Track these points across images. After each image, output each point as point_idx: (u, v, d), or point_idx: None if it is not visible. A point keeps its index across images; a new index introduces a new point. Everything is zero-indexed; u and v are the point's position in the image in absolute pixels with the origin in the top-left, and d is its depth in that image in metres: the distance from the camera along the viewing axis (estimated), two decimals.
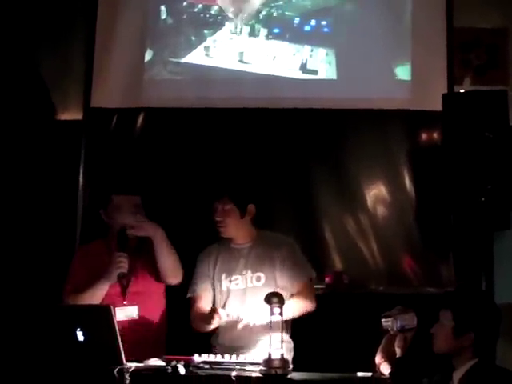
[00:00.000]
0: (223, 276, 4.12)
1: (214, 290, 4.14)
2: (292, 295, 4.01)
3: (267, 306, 3.58)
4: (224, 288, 4.10)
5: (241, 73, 5.14)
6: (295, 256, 4.14)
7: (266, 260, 4.10)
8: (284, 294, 3.86)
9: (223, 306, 4.07)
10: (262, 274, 4.07)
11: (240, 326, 4.00)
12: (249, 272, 4.08)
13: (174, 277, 4.08)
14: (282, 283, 4.03)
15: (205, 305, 4.09)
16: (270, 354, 3.48)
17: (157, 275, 4.03)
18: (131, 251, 4.00)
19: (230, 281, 4.10)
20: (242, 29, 5.18)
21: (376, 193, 5.04)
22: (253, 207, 4.14)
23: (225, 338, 4.04)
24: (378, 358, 3.56)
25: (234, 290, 4.09)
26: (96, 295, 3.90)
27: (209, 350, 3.84)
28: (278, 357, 3.47)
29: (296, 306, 3.98)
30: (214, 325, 3.89)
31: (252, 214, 4.14)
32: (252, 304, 3.97)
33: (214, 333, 4.06)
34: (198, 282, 4.14)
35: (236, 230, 4.13)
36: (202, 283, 4.13)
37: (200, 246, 4.42)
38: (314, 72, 5.10)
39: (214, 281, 4.14)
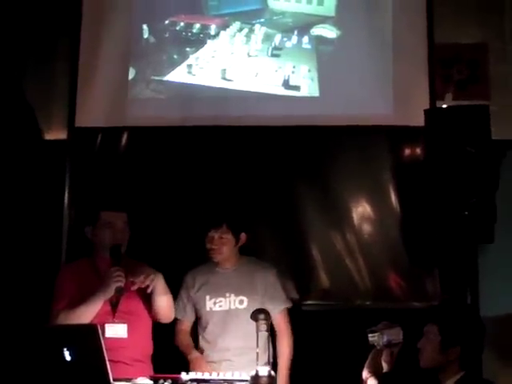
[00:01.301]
0: (207, 297, 4.22)
1: (197, 311, 4.25)
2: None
3: (251, 329, 3.59)
4: (207, 309, 4.22)
5: (224, 90, 5.16)
6: (276, 283, 4.28)
7: (248, 284, 4.21)
8: None
9: (205, 327, 4.20)
10: (244, 298, 4.19)
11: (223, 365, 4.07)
12: (232, 295, 4.20)
13: (167, 318, 4.14)
14: (263, 306, 4.07)
15: (185, 327, 4.27)
16: (257, 371, 3.47)
17: (146, 297, 4.03)
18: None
19: (215, 302, 4.22)
20: (224, 46, 5.21)
21: (361, 209, 5.05)
22: (244, 236, 4.26)
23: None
24: (365, 373, 3.55)
25: (216, 312, 4.20)
26: (90, 311, 3.88)
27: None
28: (266, 373, 3.47)
29: (290, 346, 4.18)
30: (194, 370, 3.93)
31: (243, 242, 4.26)
32: (234, 327, 4.05)
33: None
34: (180, 304, 4.27)
35: (227, 256, 4.24)
36: (185, 306, 4.27)
37: (185, 264, 4.47)
38: (297, 88, 5.13)
39: (198, 302, 4.24)
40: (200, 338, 4.25)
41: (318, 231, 5.05)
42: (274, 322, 4.07)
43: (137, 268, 3.98)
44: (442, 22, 5.07)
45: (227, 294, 4.20)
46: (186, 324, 4.29)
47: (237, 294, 4.19)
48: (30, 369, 3.40)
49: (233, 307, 4.17)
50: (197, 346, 4.24)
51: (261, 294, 4.20)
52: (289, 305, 4.30)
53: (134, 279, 3.91)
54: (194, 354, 4.15)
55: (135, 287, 3.93)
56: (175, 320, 4.24)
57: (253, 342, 3.54)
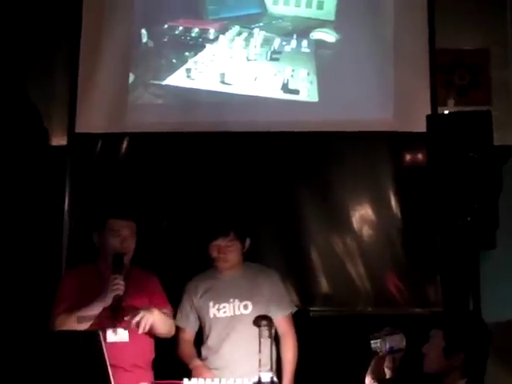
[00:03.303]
0: (211, 304, 4.20)
1: (200, 318, 4.23)
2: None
3: (256, 335, 3.60)
4: (211, 315, 4.19)
5: (223, 94, 5.18)
6: (280, 288, 4.27)
7: (252, 289, 4.19)
8: None
9: (209, 334, 4.17)
10: (249, 303, 4.16)
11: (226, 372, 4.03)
12: (236, 300, 4.17)
13: (167, 335, 4.13)
14: (268, 311, 4.09)
15: (189, 337, 4.24)
16: (259, 377, 3.48)
17: (147, 303, 4.04)
18: (124, 276, 3.99)
19: (218, 309, 4.19)
20: (223, 50, 5.23)
21: (362, 215, 5.07)
22: (249, 242, 4.25)
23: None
24: (368, 380, 3.56)
25: (221, 318, 4.17)
26: (88, 316, 3.88)
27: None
28: (268, 380, 3.47)
29: (294, 351, 4.18)
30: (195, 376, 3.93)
31: (247, 248, 4.25)
32: (238, 333, 4.03)
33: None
34: (183, 312, 4.24)
35: (234, 263, 4.22)
36: (188, 314, 4.24)
37: (187, 270, 4.48)
38: (296, 92, 5.15)
39: (201, 309, 4.21)
40: (203, 345, 4.22)
41: (318, 236, 5.07)
42: (278, 327, 4.08)
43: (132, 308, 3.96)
44: (443, 28, 5.10)
45: (231, 300, 4.18)
46: (190, 333, 4.26)
47: (241, 300, 4.16)
48: (32, 375, 3.40)
49: (237, 313, 4.15)
50: (199, 354, 4.21)
51: (266, 298, 4.18)
52: (293, 309, 4.29)
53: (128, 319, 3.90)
54: (195, 362, 4.12)
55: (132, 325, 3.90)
56: (177, 328, 4.22)
57: (257, 347, 3.55)
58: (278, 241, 5.03)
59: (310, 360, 4.31)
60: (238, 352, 4.06)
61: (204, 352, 4.21)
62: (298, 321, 4.36)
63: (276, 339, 3.96)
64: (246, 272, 4.25)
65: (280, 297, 4.24)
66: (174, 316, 4.20)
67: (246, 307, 4.16)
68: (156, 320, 3.94)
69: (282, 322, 4.19)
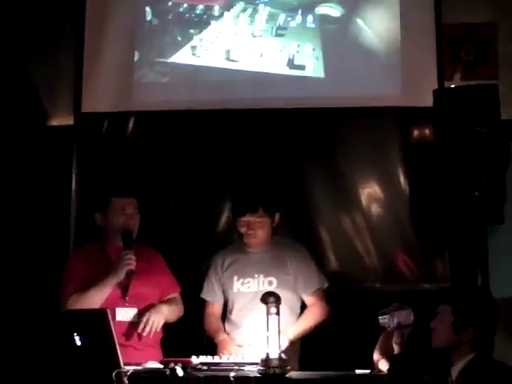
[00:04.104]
0: (235, 278, 4.18)
1: (224, 292, 4.21)
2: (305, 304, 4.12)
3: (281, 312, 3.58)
4: (235, 290, 4.17)
5: (228, 71, 5.16)
6: (309, 264, 4.22)
7: (279, 265, 4.16)
8: (295, 297, 4.07)
9: (232, 309, 4.16)
10: (273, 279, 4.13)
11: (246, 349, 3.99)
12: (261, 276, 4.15)
13: (175, 321, 4.13)
14: (296, 288, 4.11)
15: (216, 310, 4.21)
16: (267, 354, 3.48)
17: (154, 283, 4.05)
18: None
19: (242, 283, 4.17)
20: (228, 27, 5.20)
21: (370, 191, 5.06)
22: (278, 216, 4.21)
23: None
24: (376, 356, 3.57)
25: (244, 293, 4.15)
26: (101, 294, 3.89)
27: (206, 352, 3.85)
28: (276, 356, 3.48)
29: (314, 318, 4.12)
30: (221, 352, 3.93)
31: (277, 222, 4.21)
32: (261, 309, 4.01)
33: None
34: (210, 285, 4.23)
35: (264, 239, 4.18)
36: (214, 287, 4.22)
37: (194, 251, 4.49)
38: (302, 67, 5.12)
39: (225, 283, 4.20)
40: (226, 320, 4.20)
41: (326, 213, 5.06)
42: (306, 303, 4.12)
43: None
44: (449, 2, 5.05)
45: (256, 275, 4.13)
46: (217, 307, 4.22)
47: (266, 275, 4.12)
48: (41, 354, 3.43)
49: (261, 288, 4.07)
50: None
51: (292, 274, 4.14)
52: (322, 285, 4.21)
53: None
54: (221, 336, 4.09)
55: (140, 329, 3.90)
56: (204, 302, 4.22)
57: (281, 325, 3.53)
58: (285, 218, 4.97)
59: (319, 336, 4.32)
60: (260, 329, 4.01)
61: (227, 327, 4.19)
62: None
63: None
64: (274, 247, 4.20)
65: (307, 273, 4.17)
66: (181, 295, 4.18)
67: (270, 283, 4.12)
68: (165, 316, 3.96)
69: (310, 299, 4.16)
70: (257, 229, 4.12)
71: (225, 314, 4.25)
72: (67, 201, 5.07)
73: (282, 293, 3.72)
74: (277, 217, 4.20)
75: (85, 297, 3.87)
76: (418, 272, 4.94)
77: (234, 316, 4.16)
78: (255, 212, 4.10)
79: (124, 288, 3.96)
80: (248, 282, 4.15)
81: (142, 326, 3.87)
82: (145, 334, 3.88)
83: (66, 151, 5.10)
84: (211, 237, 5.01)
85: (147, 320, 3.87)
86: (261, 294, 3.97)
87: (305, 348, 4.21)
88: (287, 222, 4.91)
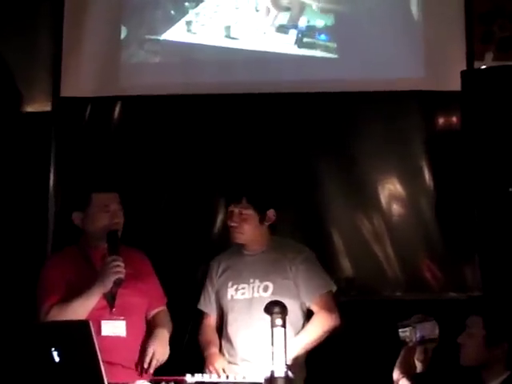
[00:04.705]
0: (229, 284, 4.20)
1: (219, 300, 4.23)
2: (310, 310, 4.10)
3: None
4: (229, 297, 4.19)
5: (228, 50, 5.18)
6: (312, 266, 4.22)
7: (276, 268, 4.17)
8: (297, 305, 4.04)
9: (226, 320, 4.17)
10: (270, 284, 4.14)
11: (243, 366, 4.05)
12: (256, 281, 4.16)
13: None
14: (296, 294, 4.10)
15: (212, 322, 4.25)
16: (272, 372, 3.48)
17: (142, 291, 4.05)
18: None
19: (237, 290, 4.19)
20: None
21: (389, 187, 5.09)
22: (272, 213, 4.22)
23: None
24: (396, 374, 3.57)
25: (239, 300, 4.17)
26: (86, 306, 3.87)
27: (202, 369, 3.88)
28: (282, 375, 3.48)
29: (321, 326, 4.08)
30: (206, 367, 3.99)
31: (271, 220, 4.22)
32: (256, 319, 4.00)
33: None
34: (206, 295, 4.27)
35: (252, 236, 4.21)
36: (211, 297, 4.26)
37: (185, 251, 4.57)
38: (312, 46, 5.14)
39: (220, 290, 4.23)
40: (222, 337, 4.21)
41: (339, 214, 5.09)
42: (313, 311, 4.12)
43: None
44: None
45: (251, 280, 4.15)
46: (213, 318, 4.26)
47: (262, 280, 4.14)
48: (15, 370, 3.42)
49: (256, 295, 4.11)
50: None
51: (292, 278, 4.14)
52: (328, 289, 4.19)
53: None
54: (210, 350, 4.12)
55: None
56: (201, 313, 4.26)
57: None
58: (293, 218, 5.04)
59: (333, 351, 4.34)
60: (256, 343, 4.01)
61: (224, 344, 4.20)
62: None
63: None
64: (272, 249, 4.22)
65: (310, 276, 4.17)
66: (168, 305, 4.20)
67: (265, 289, 4.13)
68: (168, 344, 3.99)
69: (314, 306, 4.15)
70: (241, 222, 4.14)
71: (222, 329, 4.25)
72: (45, 196, 5.09)
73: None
74: (270, 214, 4.21)
75: (66, 310, 3.86)
76: (444, 279, 4.97)
77: (228, 327, 4.18)
78: (238, 202, 4.15)
79: (111, 298, 3.95)
80: (243, 288, 4.17)
81: (147, 360, 3.89)
82: (152, 370, 3.90)
83: (43, 141, 5.12)
84: (207, 240, 5.05)
85: (153, 354, 3.90)
86: (256, 302, 4.06)
87: (311, 365, 4.20)
88: (295, 223, 4.98)
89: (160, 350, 3.91)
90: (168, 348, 3.95)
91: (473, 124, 4.54)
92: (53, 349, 3.44)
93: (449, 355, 3.38)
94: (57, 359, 3.45)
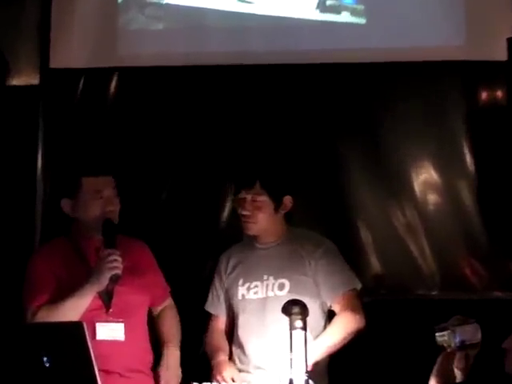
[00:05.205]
0: (240, 281, 4.21)
1: (229, 300, 4.24)
2: (332, 310, 4.11)
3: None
4: (239, 297, 4.19)
5: (241, 15, 5.18)
6: (334, 260, 4.21)
7: (293, 263, 4.16)
8: (316, 305, 4.03)
9: (237, 323, 4.17)
10: (286, 281, 4.13)
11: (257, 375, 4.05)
12: (271, 278, 4.16)
13: None
14: (315, 293, 4.10)
15: (221, 325, 4.26)
16: (291, 381, 3.47)
17: (142, 287, 4.06)
18: None
19: (249, 288, 4.19)
20: None
21: (424, 173, 5.09)
22: (289, 200, 4.21)
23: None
24: (433, 383, 3.56)
25: (251, 300, 4.16)
26: (79, 306, 3.88)
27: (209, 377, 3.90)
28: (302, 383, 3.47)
29: (344, 327, 4.07)
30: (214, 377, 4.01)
31: (287, 208, 4.22)
32: (271, 322, 4.01)
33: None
34: (215, 295, 4.29)
35: (266, 226, 4.20)
36: (219, 297, 4.27)
37: (187, 241, 4.68)
38: (336, 10, 5.14)
39: (230, 288, 4.23)
40: (233, 342, 4.21)
41: (367, 201, 5.10)
42: (335, 312, 4.11)
43: None
44: None
45: (265, 277, 4.15)
46: (222, 320, 4.26)
47: (277, 277, 4.13)
48: (1, 376, 3.43)
49: (270, 294, 4.11)
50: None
51: (311, 275, 4.13)
52: (352, 286, 4.18)
53: None
54: (219, 357, 4.11)
55: None
56: (209, 315, 4.27)
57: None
58: (315, 208, 5.05)
59: (360, 356, 4.33)
60: (269, 349, 4.02)
61: (234, 350, 4.19)
62: None
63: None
64: (289, 241, 4.21)
65: (332, 273, 4.15)
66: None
67: (281, 287, 4.12)
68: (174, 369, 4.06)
69: (335, 303, 4.14)
70: (254, 210, 4.13)
71: (232, 333, 4.26)
72: (32, 180, 5.11)
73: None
74: (287, 201, 4.20)
75: (56, 311, 3.87)
76: (487, 277, 4.96)
77: (240, 332, 4.16)
78: (251, 188, 4.13)
79: (106, 297, 3.96)
80: (255, 287, 4.16)
81: None
82: None
83: (30, 118, 5.13)
84: (215, 232, 5.06)
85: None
86: (270, 302, 4.06)
87: (333, 372, 4.20)
88: (315, 212, 4.97)
89: (173, 381, 3.98)
90: (180, 370, 4.02)
91: None
92: (42, 353, 3.46)
93: (492, 362, 3.36)
94: (47, 365, 3.47)
